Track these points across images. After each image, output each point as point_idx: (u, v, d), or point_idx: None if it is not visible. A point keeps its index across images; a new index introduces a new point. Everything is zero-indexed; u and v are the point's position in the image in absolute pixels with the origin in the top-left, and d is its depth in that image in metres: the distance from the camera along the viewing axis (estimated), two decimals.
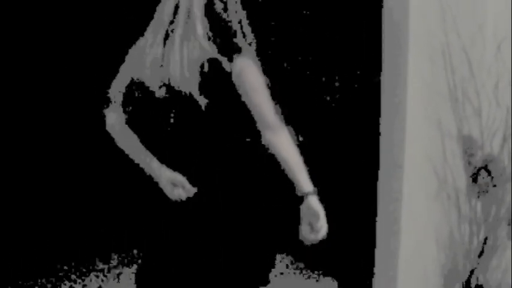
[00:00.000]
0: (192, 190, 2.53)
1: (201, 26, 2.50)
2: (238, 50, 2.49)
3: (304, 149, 4.91)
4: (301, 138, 5.02)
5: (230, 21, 2.54)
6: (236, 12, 2.56)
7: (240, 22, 2.54)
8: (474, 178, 3.70)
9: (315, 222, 2.58)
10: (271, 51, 5.00)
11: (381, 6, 3.74)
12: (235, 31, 2.54)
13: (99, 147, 5.12)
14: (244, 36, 2.55)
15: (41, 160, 5.19)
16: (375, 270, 3.88)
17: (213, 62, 2.48)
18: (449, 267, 3.79)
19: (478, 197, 3.74)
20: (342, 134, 4.73)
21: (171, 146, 2.62)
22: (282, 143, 2.51)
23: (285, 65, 4.99)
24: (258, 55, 2.59)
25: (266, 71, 2.59)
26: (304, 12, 4.86)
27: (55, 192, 5.21)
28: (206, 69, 2.47)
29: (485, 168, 3.68)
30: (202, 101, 2.48)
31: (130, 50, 2.64)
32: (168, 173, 2.55)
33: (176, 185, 2.54)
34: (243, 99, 2.49)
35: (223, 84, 2.49)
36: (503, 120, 3.71)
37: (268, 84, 2.54)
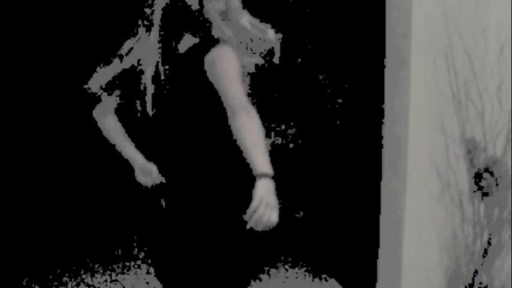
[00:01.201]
0: (159, 178, 2.59)
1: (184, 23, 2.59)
2: (216, 42, 2.53)
3: (308, 151, 4.94)
4: (304, 141, 5.05)
5: (206, 16, 2.59)
6: (215, 6, 2.61)
7: (223, 15, 2.60)
8: (477, 180, 3.70)
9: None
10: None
11: (384, 10, 3.75)
12: (211, 25, 2.58)
13: (101, 148, 5.14)
14: (223, 29, 2.58)
15: (41, 161, 5.20)
16: (378, 272, 3.89)
17: (194, 56, 2.55)
18: (452, 269, 3.79)
19: (482, 199, 3.74)
20: (345, 136, 4.74)
21: (153, 139, 2.71)
22: (242, 125, 2.44)
23: (287, 66, 5.00)
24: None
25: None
26: (308, 17, 4.87)
27: (54, 192, 5.22)
28: (189, 63, 2.54)
29: (488, 170, 3.68)
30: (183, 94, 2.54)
31: (122, 47, 2.71)
32: (140, 160, 2.66)
33: (145, 173, 2.63)
34: (214, 85, 2.50)
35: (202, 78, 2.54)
36: (506, 123, 3.71)
37: (247, 73, 2.57)
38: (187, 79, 2.56)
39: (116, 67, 2.70)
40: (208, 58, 2.51)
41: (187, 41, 2.59)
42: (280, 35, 2.74)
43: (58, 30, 5.08)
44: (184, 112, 2.60)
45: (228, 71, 2.49)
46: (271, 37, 2.72)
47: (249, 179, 2.45)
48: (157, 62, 2.60)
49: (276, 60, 2.75)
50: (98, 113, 2.75)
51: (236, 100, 2.45)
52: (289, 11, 4.96)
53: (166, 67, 2.59)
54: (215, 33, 2.58)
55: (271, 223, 2.40)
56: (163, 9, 2.65)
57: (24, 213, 5.08)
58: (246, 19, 2.68)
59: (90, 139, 5.05)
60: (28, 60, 4.99)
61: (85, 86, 2.75)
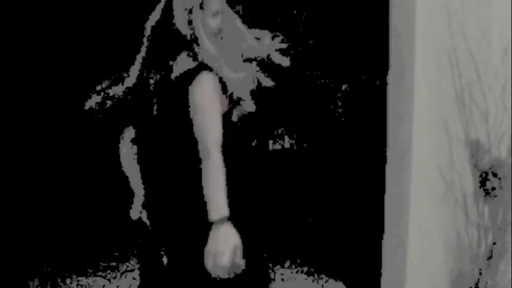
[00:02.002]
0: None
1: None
2: (200, 68, 2.57)
3: (311, 154, 4.93)
4: (306, 144, 5.05)
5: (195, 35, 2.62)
6: (210, 24, 2.64)
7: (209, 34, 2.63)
8: (481, 182, 3.69)
9: None
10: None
11: (387, 11, 3.73)
12: (198, 45, 2.62)
13: (101, 148, 5.14)
14: (210, 48, 2.62)
15: (42, 161, 5.20)
16: (383, 274, 3.88)
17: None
18: (457, 272, 3.78)
19: (486, 200, 3.73)
20: (348, 138, 4.73)
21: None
22: (204, 170, 2.49)
23: (290, 68, 4.98)
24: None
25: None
26: (311, 17, 4.86)
27: (55, 192, 5.22)
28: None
29: (493, 172, 3.67)
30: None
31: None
32: None
33: None
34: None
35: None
36: (511, 124, 3.70)
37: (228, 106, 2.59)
38: (173, 106, 2.60)
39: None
40: (190, 89, 2.54)
41: (183, 61, 2.61)
42: (283, 44, 2.76)
43: (65, 33, 5.08)
44: (168, 138, 2.65)
45: (204, 107, 2.52)
46: (267, 44, 2.74)
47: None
48: (134, 83, 2.66)
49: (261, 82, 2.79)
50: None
51: (202, 144, 2.49)
52: (291, 11, 4.95)
53: (155, 89, 2.64)
54: (200, 54, 2.60)
55: (232, 269, 2.42)
56: (152, 27, 2.68)
57: (24, 214, 5.07)
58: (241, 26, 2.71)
59: (91, 139, 5.08)
60: (28, 60, 4.99)
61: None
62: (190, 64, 2.61)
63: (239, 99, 2.66)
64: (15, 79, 4.96)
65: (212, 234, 2.41)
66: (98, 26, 5.13)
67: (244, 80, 2.67)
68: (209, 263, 2.42)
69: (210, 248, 2.41)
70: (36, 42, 4.97)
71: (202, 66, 2.57)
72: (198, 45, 2.62)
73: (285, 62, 2.84)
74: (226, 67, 2.61)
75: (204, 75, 2.54)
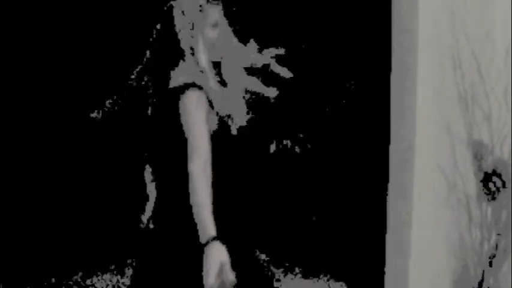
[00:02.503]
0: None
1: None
2: (189, 85, 2.61)
3: (314, 154, 4.93)
4: (311, 145, 5.04)
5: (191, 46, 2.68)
6: (209, 35, 2.70)
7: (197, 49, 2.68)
8: (484, 183, 3.69)
9: None
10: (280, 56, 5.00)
11: (390, 11, 3.73)
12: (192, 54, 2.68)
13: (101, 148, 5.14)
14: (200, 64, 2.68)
15: (42, 162, 5.20)
16: (386, 275, 3.87)
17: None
18: (460, 272, 3.77)
19: (489, 201, 3.73)
20: (351, 139, 4.73)
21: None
22: (190, 191, 2.53)
23: (293, 69, 5.00)
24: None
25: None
26: (313, 16, 4.86)
27: (55, 193, 5.22)
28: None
29: (496, 172, 3.67)
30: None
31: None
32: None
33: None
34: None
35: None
36: None
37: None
38: (166, 115, 2.66)
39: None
40: (180, 104, 2.60)
41: (181, 71, 2.66)
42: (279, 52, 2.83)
43: (66, 33, 5.09)
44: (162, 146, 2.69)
45: (192, 125, 2.57)
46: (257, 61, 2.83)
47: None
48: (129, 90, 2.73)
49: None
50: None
51: (189, 162, 2.53)
52: (294, 11, 4.95)
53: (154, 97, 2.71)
54: (192, 66, 2.66)
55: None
56: (156, 32, 2.74)
57: (25, 214, 5.07)
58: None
59: (91, 139, 5.08)
60: (28, 60, 4.99)
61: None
62: (185, 75, 2.65)
63: (228, 116, 2.69)
64: (16, 79, 4.96)
65: (204, 256, 2.48)
66: (101, 30, 5.14)
67: (233, 93, 2.72)
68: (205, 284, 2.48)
69: (203, 270, 2.48)
70: (36, 43, 4.98)
71: (189, 84, 2.61)
72: (193, 55, 2.67)
73: (286, 73, 2.91)
74: (213, 80, 2.67)
75: (189, 94, 2.59)
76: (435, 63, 3.66)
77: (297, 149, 5.03)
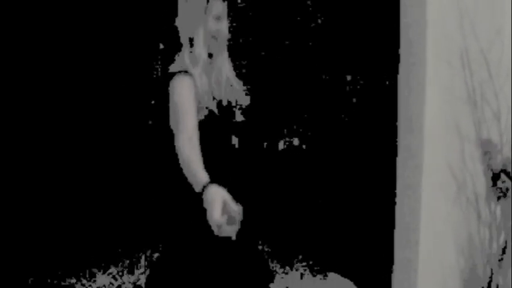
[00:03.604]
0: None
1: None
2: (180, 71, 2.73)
3: (323, 153, 4.92)
4: (320, 143, 5.04)
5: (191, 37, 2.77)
6: (210, 28, 2.76)
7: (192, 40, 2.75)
8: (494, 182, 3.67)
9: None
10: (286, 56, 4.99)
11: (399, 10, 3.72)
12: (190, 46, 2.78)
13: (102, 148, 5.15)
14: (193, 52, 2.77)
15: (43, 162, 5.20)
16: (394, 274, 3.87)
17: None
18: (468, 272, 3.76)
19: (498, 200, 3.71)
20: (359, 138, 4.72)
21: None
22: (179, 158, 2.61)
23: (301, 68, 4.99)
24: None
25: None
26: (321, 16, 4.85)
27: (56, 193, 5.22)
28: None
29: (505, 171, 3.65)
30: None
31: None
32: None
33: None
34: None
35: None
36: None
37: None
38: (160, 98, 2.75)
39: None
40: (170, 86, 2.70)
41: (180, 60, 2.74)
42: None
43: (66, 33, 5.09)
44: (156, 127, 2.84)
45: (180, 104, 2.66)
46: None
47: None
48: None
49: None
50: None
51: (181, 133, 2.61)
52: (302, 11, 4.95)
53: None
54: (189, 55, 2.76)
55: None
56: (167, 23, 2.83)
57: (25, 215, 5.07)
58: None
59: (91, 139, 5.08)
60: (31, 61, 4.99)
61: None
62: (179, 64, 2.76)
63: (206, 108, 2.74)
64: (17, 79, 4.97)
65: (204, 203, 2.45)
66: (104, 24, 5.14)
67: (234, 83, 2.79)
68: (213, 229, 2.43)
69: (207, 214, 2.44)
70: (36, 42, 4.98)
71: (181, 71, 2.72)
72: (191, 46, 2.75)
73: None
74: (204, 76, 2.74)
75: (178, 78, 2.69)
76: (444, 62, 3.64)
77: (304, 147, 5.02)
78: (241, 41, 4.90)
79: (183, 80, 2.69)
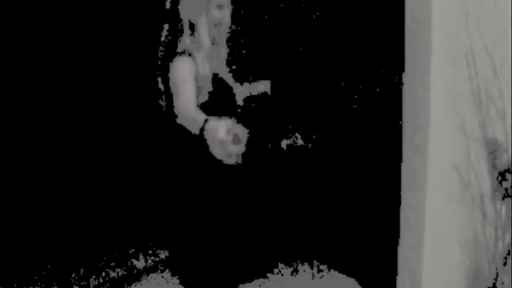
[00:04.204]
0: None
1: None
2: (181, 52, 2.81)
3: (327, 152, 4.91)
4: (324, 142, 5.03)
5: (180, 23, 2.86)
6: (213, 15, 2.85)
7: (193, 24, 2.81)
8: (499, 181, 3.66)
9: None
10: (290, 54, 4.98)
11: (403, 9, 3.70)
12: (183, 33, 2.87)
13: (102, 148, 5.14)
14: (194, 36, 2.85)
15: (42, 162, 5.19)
16: (398, 274, 3.85)
17: None
18: (474, 272, 3.75)
19: (503, 200, 3.70)
20: (363, 137, 4.71)
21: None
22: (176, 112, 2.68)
23: (303, 66, 4.97)
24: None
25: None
26: (325, 13, 4.83)
27: (56, 194, 5.22)
28: None
29: (511, 171, 3.64)
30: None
31: None
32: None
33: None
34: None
35: None
36: None
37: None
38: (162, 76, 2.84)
39: None
40: (171, 66, 2.78)
41: (182, 43, 2.82)
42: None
43: (66, 33, 5.08)
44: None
45: (179, 79, 2.72)
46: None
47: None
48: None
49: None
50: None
51: (180, 97, 2.68)
52: (306, 9, 4.93)
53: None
54: (190, 40, 2.85)
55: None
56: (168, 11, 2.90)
57: (25, 215, 5.07)
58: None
59: (92, 139, 5.07)
60: (31, 61, 4.99)
61: None
62: (181, 48, 2.83)
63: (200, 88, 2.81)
64: (17, 79, 4.96)
65: (205, 134, 2.46)
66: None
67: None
68: (217, 152, 2.41)
69: (208, 143, 2.44)
70: (37, 41, 4.98)
71: (181, 52, 2.80)
72: (193, 31, 2.84)
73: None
74: (206, 62, 2.82)
75: (178, 59, 2.77)
76: (448, 61, 3.62)
77: (309, 146, 5.01)
78: (242, 39, 4.89)
79: (184, 60, 2.76)
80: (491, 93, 3.67)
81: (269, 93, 3.15)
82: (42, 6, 4.88)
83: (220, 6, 2.83)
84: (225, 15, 2.86)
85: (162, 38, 2.90)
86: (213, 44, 2.91)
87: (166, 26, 2.89)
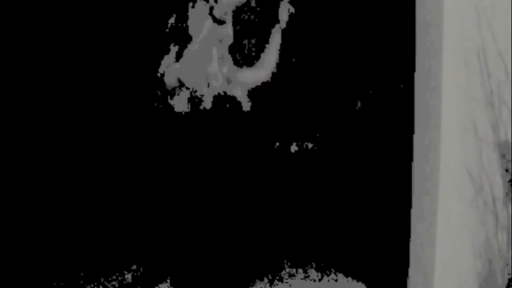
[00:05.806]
0: None
1: None
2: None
3: (339, 153, 4.90)
4: (336, 143, 5.02)
5: None
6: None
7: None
8: (511, 184, 3.64)
9: None
10: (301, 56, 4.97)
11: (415, 11, 3.70)
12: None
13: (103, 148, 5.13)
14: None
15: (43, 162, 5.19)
16: (410, 277, 3.84)
17: None
18: (485, 276, 3.73)
19: None
20: (375, 140, 4.69)
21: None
22: None
23: (316, 70, 4.97)
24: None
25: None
26: (335, 15, 4.83)
27: (57, 194, 5.21)
28: None
29: None
30: None
31: None
32: None
33: None
34: None
35: None
36: None
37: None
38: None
39: None
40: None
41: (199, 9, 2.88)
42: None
43: (66, 33, 5.09)
44: None
45: None
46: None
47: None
48: None
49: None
50: None
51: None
52: (315, 10, 4.93)
53: None
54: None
55: None
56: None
57: (26, 215, 5.07)
58: None
59: (92, 139, 5.07)
60: (31, 61, 4.99)
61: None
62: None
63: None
64: (18, 79, 4.97)
65: None
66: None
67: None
68: None
69: None
70: (37, 40, 4.99)
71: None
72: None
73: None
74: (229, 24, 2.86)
75: None
76: (461, 63, 3.61)
77: (319, 148, 5.00)
78: (250, 41, 4.89)
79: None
80: (503, 96, 3.65)
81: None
82: (42, 6, 4.90)
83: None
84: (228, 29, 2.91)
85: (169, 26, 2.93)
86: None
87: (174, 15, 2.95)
